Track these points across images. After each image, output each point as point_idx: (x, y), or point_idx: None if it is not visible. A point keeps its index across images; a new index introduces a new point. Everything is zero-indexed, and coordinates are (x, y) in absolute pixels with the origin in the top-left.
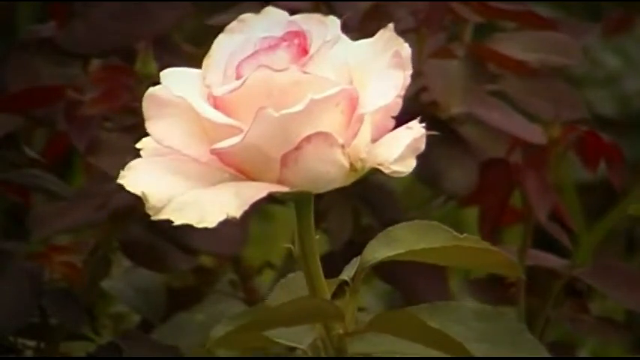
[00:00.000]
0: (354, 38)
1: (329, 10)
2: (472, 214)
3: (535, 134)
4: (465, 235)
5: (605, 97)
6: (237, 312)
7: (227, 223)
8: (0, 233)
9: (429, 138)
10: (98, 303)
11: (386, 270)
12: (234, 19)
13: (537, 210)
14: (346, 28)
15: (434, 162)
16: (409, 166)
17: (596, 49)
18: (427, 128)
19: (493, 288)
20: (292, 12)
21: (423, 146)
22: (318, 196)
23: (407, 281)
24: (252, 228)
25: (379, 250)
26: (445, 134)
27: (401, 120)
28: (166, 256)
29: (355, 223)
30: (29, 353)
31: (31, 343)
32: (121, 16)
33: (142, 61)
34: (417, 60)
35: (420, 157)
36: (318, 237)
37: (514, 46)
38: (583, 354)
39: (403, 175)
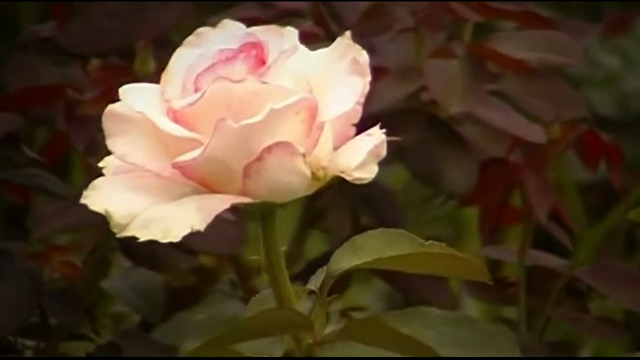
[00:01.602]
0: (354, 38)
1: (328, 10)
2: (472, 213)
3: (535, 134)
4: (430, 241)
5: (604, 97)
6: (206, 326)
7: (227, 223)
8: (0, 233)
9: (428, 137)
10: (98, 303)
11: (385, 270)
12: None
13: (537, 210)
14: (345, 28)
15: (433, 161)
16: (371, 172)
17: (595, 49)
18: (427, 128)
19: (493, 288)
20: (291, 13)
21: (384, 152)
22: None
23: (406, 281)
24: (252, 228)
25: (346, 259)
26: (445, 134)
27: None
28: (166, 255)
29: (354, 223)
30: (29, 353)
31: (31, 343)
32: (120, 16)
33: (142, 60)
34: (417, 59)
35: (420, 157)
36: (318, 236)
37: (514, 45)
38: (583, 354)
39: (365, 181)
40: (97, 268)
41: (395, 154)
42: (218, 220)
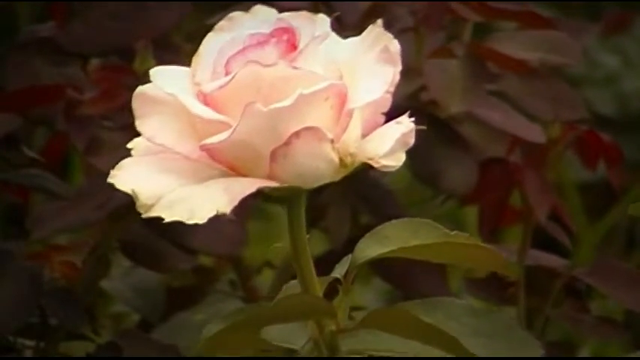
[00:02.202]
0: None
1: (328, 10)
2: (472, 213)
3: (535, 134)
4: (455, 232)
5: (604, 96)
6: (231, 310)
7: (227, 223)
8: (0, 233)
9: (428, 137)
10: (98, 303)
11: (385, 268)
12: None
13: (537, 209)
14: (345, 27)
15: (433, 161)
16: (399, 160)
17: (595, 49)
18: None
19: (493, 287)
20: (291, 12)
21: (412, 141)
22: (317, 194)
23: (406, 279)
24: (252, 228)
25: (371, 247)
26: (444, 133)
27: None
28: (166, 255)
29: (354, 222)
30: (29, 353)
31: (31, 343)
32: (120, 15)
33: (141, 60)
34: (417, 59)
35: (420, 156)
36: (318, 235)
37: (513, 45)
38: (583, 353)
39: (393, 169)
40: (97, 268)
41: None
42: (218, 220)
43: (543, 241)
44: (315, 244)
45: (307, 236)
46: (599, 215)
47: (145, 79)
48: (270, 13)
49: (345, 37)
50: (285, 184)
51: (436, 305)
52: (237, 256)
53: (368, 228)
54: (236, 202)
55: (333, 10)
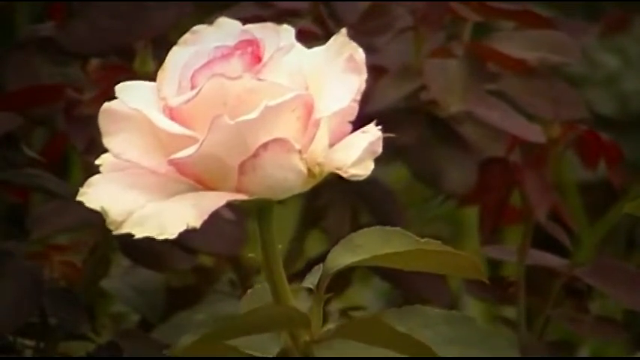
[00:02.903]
0: (353, 37)
1: (328, 10)
2: (471, 213)
3: (534, 133)
4: (426, 239)
5: (604, 96)
6: (203, 321)
7: (227, 223)
8: (0, 233)
9: (428, 137)
10: (98, 302)
11: (384, 268)
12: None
13: (537, 209)
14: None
15: (433, 161)
16: (367, 168)
17: (594, 49)
18: (426, 127)
19: (493, 287)
20: (290, 12)
21: (380, 149)
22: (317, 195)
23: (405, 279)
24: (252, 228)
25: (343, 256)
26: (444, 133)
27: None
28: (166, 255)
29: (354, 222)
30: (29, 353)
31: (31, 343)
32: (119, 15)
33: (141, 60)
34: (416, 59)
35: (420, 156)
36: (317, 235)
37: (513, 45)
38: (583, 353)
39: (361, 178)
40: (97, 268)
41: (395, 154)
42: (218, 219)
43: (543, 241)
44: (315, 244)
45: (280, 246)
46: (599, 215)
47: (145, 79)
48: (234, 25)
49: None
50: (255, 197)
51: (411, 313)
52: (237, 256)
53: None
54: (205, 217)
55: (333, 10)
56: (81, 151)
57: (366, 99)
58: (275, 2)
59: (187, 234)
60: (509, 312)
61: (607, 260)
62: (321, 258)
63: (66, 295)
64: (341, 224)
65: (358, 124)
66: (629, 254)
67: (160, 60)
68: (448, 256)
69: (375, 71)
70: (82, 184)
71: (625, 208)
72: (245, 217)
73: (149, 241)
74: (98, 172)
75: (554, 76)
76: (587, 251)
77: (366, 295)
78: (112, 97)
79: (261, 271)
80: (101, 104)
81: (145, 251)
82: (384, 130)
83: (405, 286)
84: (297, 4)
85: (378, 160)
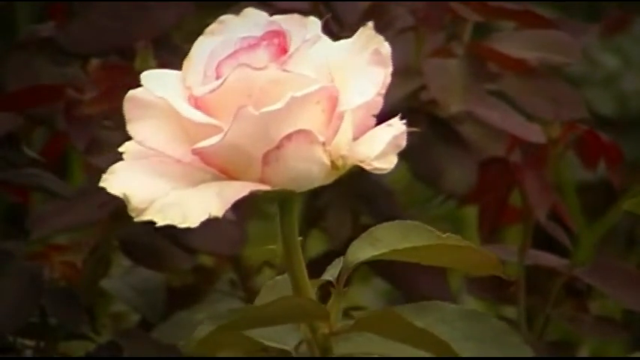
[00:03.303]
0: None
1: (328, 10)
2: (472, 213)
3: (534, 133)
4: (447, 234)
5: (604, 96)
6: (224, 311)
7: (227, 223)
8: (0, 233)
9: (428, 137)
10: (98, 302)
11: (385, 268)
12: None
13: (537, 209)
14: (345, 27)
15: (433, 161)
16: (391, 162)
17: (594, 49)
18: (426, 127)
19: (493, 287)
20: (290, 12)
21: (404, 143)
22: (317, 195)
23: (407, 279)
24: (252, 228)
25: (362, 250)
26: (444, 133)
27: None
28: (166, 255)
29: (354, 222)
30: (29, 353)
31: (31, 343)
32: (120, 15)
33: (142, 60)
34: (416, 59)
35: (420, 156)
36: (317, 235)
37: (513, 45)
38: (583, 353)
39: (385, 171)
40: (97, 268)
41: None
42: (218, 220)
43: (543, 240)
44: (315, 244)
45: (300, 238)
46: (599, 215)
47: None
48: (260, 16)
49: (345, 37)
50: (277, 188)
51: (428, 309)
52: (237, 256)
53: (368, 228)
54: (228, 206)
55: (333, 10)
56: (81, 151)
57: None
58: (275, 2)
59: (187, 234)
60: (509, 311)
61: (607, 260)
62: (322, 258)
63: (66, 295)
64: (341, 224)
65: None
66: (629, 254)
67: (161, 60)
68: (467, 251)
69: None
70: (82, 185)
71: (624, 206)
72: (245, 217)
73: (149, 240)
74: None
75: (554, 76)
76: (586, 251)
77: (366, 295)
78: (112, 97)
79: (262, 270)
80: (102, 104)
81: (145, 251)
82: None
83: (406, 286)
84: (297, 4)
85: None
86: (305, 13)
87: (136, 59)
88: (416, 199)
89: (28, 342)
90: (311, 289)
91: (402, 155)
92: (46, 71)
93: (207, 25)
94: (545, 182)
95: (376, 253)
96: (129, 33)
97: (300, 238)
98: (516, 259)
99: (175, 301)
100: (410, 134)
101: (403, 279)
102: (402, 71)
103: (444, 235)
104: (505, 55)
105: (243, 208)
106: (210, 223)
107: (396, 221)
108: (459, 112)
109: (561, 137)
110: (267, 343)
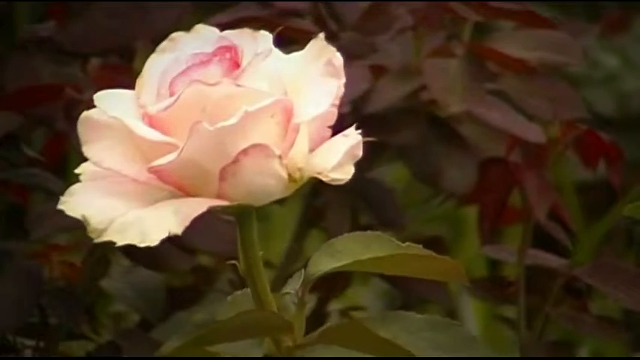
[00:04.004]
0: (354, 37)
1: (328, 10)
2: (472, 213)
3: (534, 133)
4: (407, 243)
5: (604, 96)
6: (190, 327)
7: (227, 223)
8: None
9: (428, 137)
10: (97, 302)
11: None
12: (232, 18)
13: (536, 209)
14: (345, 27)
15: (433, 161)
16: (347, 173)
17: (595, 49)
18: (427, 127)
19: (493, 287)
20: (290, 12)
21: (360, 153)
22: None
23: (405, 280)
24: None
25: (324, 262)
26: (444, 133)
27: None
28: (165, 255)
29: (354, 222)
30: (28, 352)
31: (30, 343)
32: (119, 15)
33: (141, 60)
34: (416, 58)
35: (420, 156)
36: (317, 235)
37: (513, 44)
38: (582, 353)
39: (342, 182)
40: (97, 268)
41: (395, 153)
42: (217, 220)
43: (543, 240)
44: (315, 244)
45: (261, 253)
46: (599, 215)
47: None
48: (211, 32)
49: (344, 36)
50: (236, 202)
51: (394, 319)
52: (237, 256)
53: (367, 228)
54: (187, 223)
55: (333, 9)
56: (81, 151)
57: (366, 99)
58: (275, 2)
59: (187, 234)
60: (509, 311)
61: (606, 260)
62: None
63: (66, 295)
64: (341, 224)
65: (359, 122)
66: (629, 254)
67: None
68: (430, 260)
69: (375, 71)
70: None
71: (625, 211)
72: None
73: None
74: None
75: (554, 76)
76: (586, 251)
77: (365, 296)
78: None
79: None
80: None
81: (145, 251)
82: (384, 130)
83: (404, 287)
84: (297, 4)
85: (378, 160)
86: (305, 13)
87: (136, 59)
88: (416, 199)
89: (28, 342)
90: (273, 303)
91: (402, 155)
92: (45, 71)
93: (206, 24)
94: (545, 182)
95: (338, 264)
96: (128, 33)
97: (260, 252)
98: (516, 259)
99: (175, 301)
100: (410, 134)
101: (401, 280)
102: (401, 71)
103: (403, 245)
104: (505, 54)
105: None
106: (210, 224)
107: (356, 232)
108: (458, 112)
109: (561, 137)
110: (231, 356)
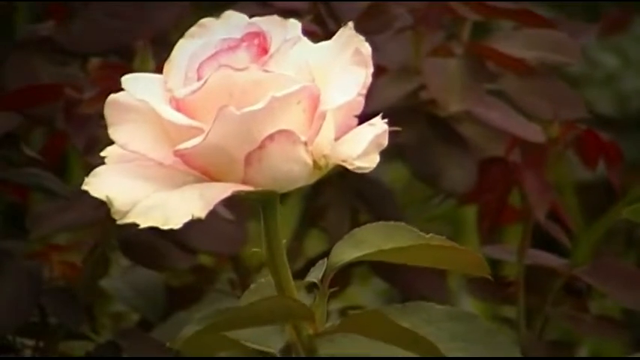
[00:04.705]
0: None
1: (327, 9)
2: (471, 212)
3: (534, 133)
4: (430, 234)
5: (603, 96)
6: (209, 312)
7: (227, 223)
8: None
9: (427, 136)
10: (97, 302)
11: (384, 267)
12: None
13: (536, 209)
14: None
15: (433, 160)
16: (373, 161)
17: (594, 49)
18: (426, 127)
19: (492, 287)
20: (290, 12)
21: (385, 142)
22: (317, 195)
23: (405, 279)
24: (252, 228)
25: (346, 251)
26: (444, 133)
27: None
28: (165, 254)
29: (353, 221)
30: (28, 352)
31: (30, 342)
32: (119, 14)
33: (141, 59)
34: (416, 58)
35: (419, 156)
36: (317, 235)
37: (513, 44)
38: (582, 353)
39: (367, 171)
40: (97, 268)
41: (394, 153)
42: (218, 219)
43: (542, 240)
44: (314, 244)
45: (284, 241)
46: (598, 215)
47: None
48: (240, 18)
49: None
50: (260, 188)
51: (414, 310)
52: (237, 256)
53: None
54: (211, 207)
55: (332, 9)
56: (81, 151)
57: (365, 98)
58: (275, 2)
59: (187, 233)
60: (509, 311)
61: (606, 260)
62: (321, 257)
63: (66, 295)
64: (341, 224)
65: (359, 122)
66: (629, 254)
67: (160, 60)
68: (452, 251)
69: (375, 70)
70: (82, 184)
71: (624, 213)
72: (245, 217)
73: (149, 240)
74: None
75: (554, 76)
76: (586, 251)
77: (365, 295)
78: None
79: (262, 270)
80: (101, 104)
81: (145, 251)
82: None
83: (404, 286)
84: (296, 4)
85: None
86: (305, 12)
87: (135, 59)
88: (415, 198)
89: (28, 341)
90: (295, 291)
91: (402, 154)
92: (45, 71)
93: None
94: (544, 182)
95: (360, 254)
96: (128, 32)
97: (284, 240)
98: (516, 259)
99: (175, 301)
100: (410, 134)
101: (402, 278)
102: (401, 71)
103: (427, 236)
104: (505, 54)
105: (243, 208)
106: (210, 223)
107: (380, 222)
108: (458, 111)
109: (561, 137)
110: (252, 345)
